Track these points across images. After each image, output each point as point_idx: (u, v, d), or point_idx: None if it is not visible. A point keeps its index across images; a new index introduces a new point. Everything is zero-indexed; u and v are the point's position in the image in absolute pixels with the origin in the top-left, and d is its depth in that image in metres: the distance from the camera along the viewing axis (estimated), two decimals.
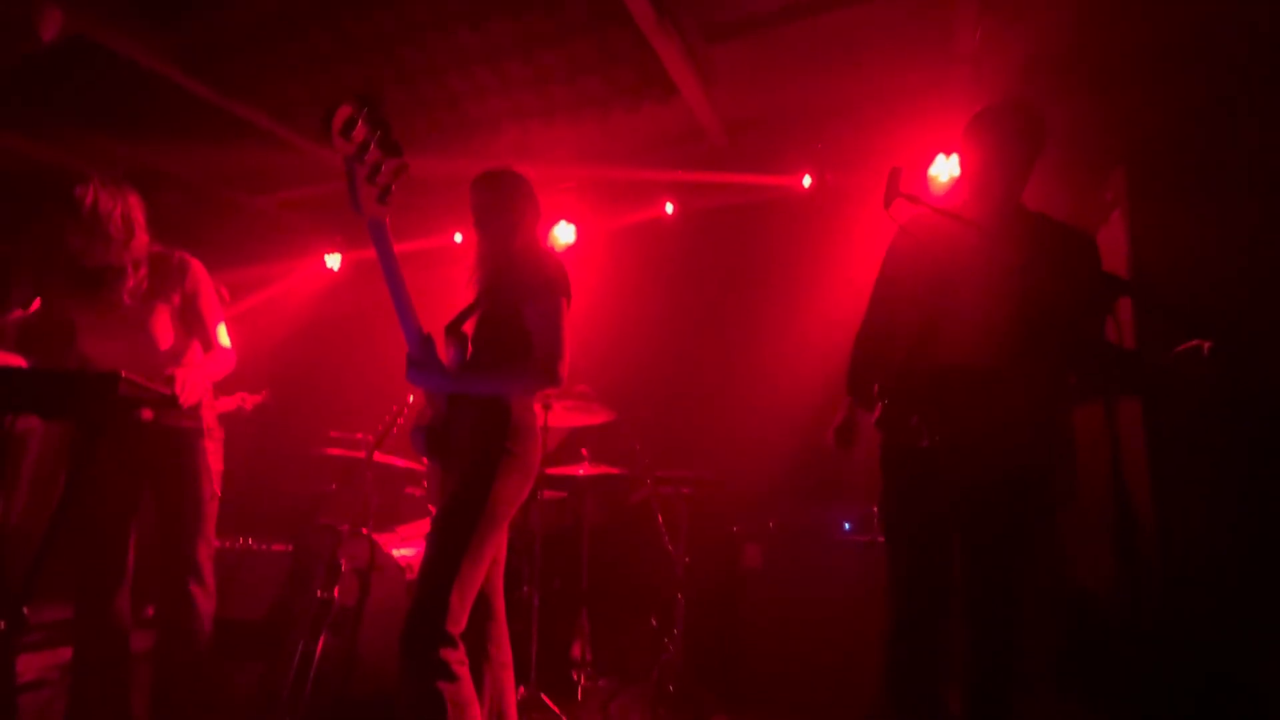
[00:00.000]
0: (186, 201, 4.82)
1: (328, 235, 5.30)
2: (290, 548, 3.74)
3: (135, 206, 2.39)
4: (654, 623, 3.41)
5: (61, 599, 2.73)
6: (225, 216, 5.08)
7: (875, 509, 3.23)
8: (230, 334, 2.60)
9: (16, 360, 2.22)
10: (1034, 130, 1.95)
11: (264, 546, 3.77)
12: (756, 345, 4.17)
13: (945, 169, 3.59)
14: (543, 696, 2.94)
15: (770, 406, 3.91)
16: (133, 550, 2.44)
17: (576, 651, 3.37)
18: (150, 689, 2.44)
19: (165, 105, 3.86)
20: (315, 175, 4.71)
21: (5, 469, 2.01)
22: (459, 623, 1.77)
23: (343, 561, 2.91)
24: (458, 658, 1.76)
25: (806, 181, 4.07)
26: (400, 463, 3.50)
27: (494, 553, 1.95)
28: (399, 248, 1.77)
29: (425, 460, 2.09)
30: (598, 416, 3.42)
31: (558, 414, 3.31)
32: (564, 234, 4.58)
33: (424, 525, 3.45)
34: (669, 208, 4.42)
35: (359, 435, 3.41)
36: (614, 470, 3.48)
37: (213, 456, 2.51)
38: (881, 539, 3.09)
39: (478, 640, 2.00)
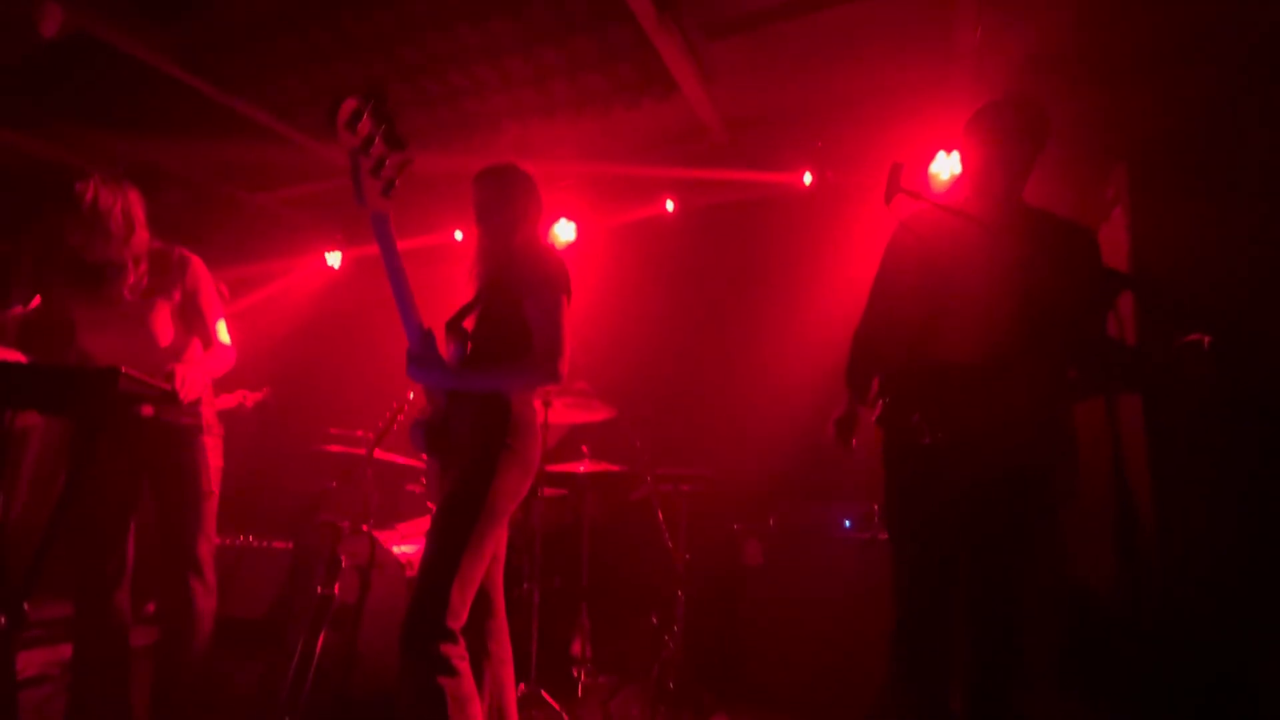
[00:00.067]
0: (187, 198, 4.82)
1: (328, 233, 5.30)
2: (291, 545, 3.75)
3: (135, 203, 2.39)
4: (654, 620, 3.41)
5: (62, 596, 2.74)
6: (225, 214, 5.07)
7: (876, 506, 3.23)
8: (230, 331, 2.60)
9: (17, 356, 2.22)
10: (1036, 126, 1.95)
11: (264, 544, 3.78)
12: (757, 342, 4.17)
13: (946, 166, 3.59)
14: (543, 693, 2.94)
15: (770, 404, 3.90)
16: (132, 547, 2.44)
17: (577, 648, 3.37)
18: (151, 686, 2.44)
19: (165, 102, 3.86)
20: (316, 172, 4.71)
21: (5, 465, 2.00)
22: (459, 618, 1.78)
23: (343, 558, 2.91)
24: (458, 653, 1.76)
25: (807, 179, 4.06)
26: (400, 460, 3.50)
27: (494, 548, 1.95)
28: (399, 244, 1.77)
29: (425, 457, 2.09)
30: (598, 414, 3.42)
31: (558, 411, 3.31)
32: (564, 231, 4.57)
33: (424, 522, 3.45)
34: (669, 205, 4.42)
35: (359, 432, 3.41)
36: (614, 467, 3.48)
37: (212, 453, 2.52)
38: (882, 536, 3.11)
39: (478, 637, 2.00)
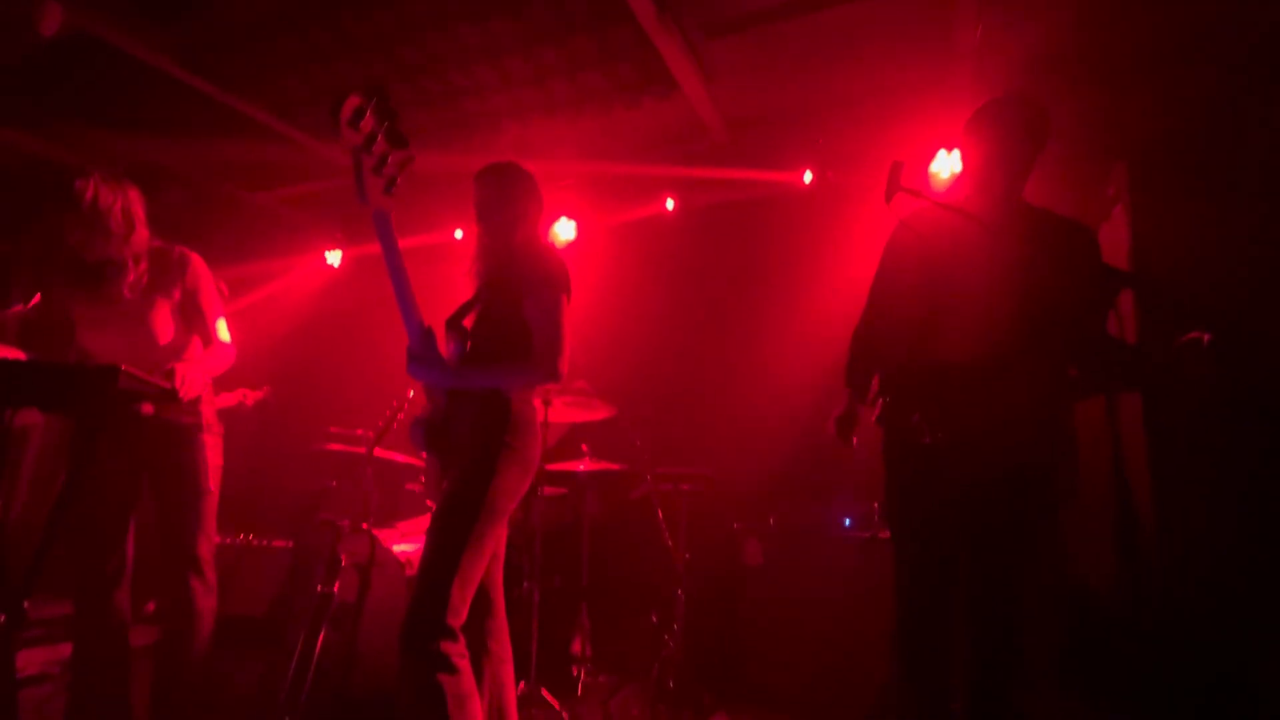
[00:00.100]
0: (187, 198, 4.82)
1: (328, 231, 5.30)
2: (291, 544, 3.75)
3: (135, 201, 2.39)
4: (654, 619, 3.41)
5: (62, 595, 2.74)
6: (225, 213, 5.07)
7: (875, 505, 3.23)
8: (230, 330, 2.60)
9: (17, 354, 2.22)
10: (1036, 125, 1.95)
11: (264, 543, 3.78)
12: (757, 341, 4.17)
13: (946, 165, 3.59)
14: (543, 692, 2.94)
15: (770, 403, 3.90)
16: (132, 545, 2.44)
17: (576, 647, 3.37)
18: (151, 685, 2.44)
19: (165, 101, 3.86)
20: (316, 171, 4.71)
21: (5, 465, 2.00)
22: (459, 616, 1.78)
23: (343, 557, 2.91)
24: (458, 650, 1.76)
25: (807, 177, 4.06)
26: (400, 458, 3.50)
27: (494, 546, 1.95)
28: (400, 243, 1.77)
29: (424, 455, 2.09)
30: (598, 412, 3.42)
31: (558, 410, 3.31)
32: (564, 230, 4.57)
33: (424, 521, 3.45)
34: (669, 204, 4.42)
35: (359, 431, 3.41)
36: (614, 466, 3.48)
37: (212, 452, 2.51)
38: (882, 535, 3.11)
39: (478, 635, 2.00)
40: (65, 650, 2.57)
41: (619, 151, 4.30)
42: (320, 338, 5.39)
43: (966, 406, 1.86)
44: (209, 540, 2.48)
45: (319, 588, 2.85)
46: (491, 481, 1.88)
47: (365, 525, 3.01)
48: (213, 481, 2.51)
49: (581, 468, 3.43)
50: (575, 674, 3.31)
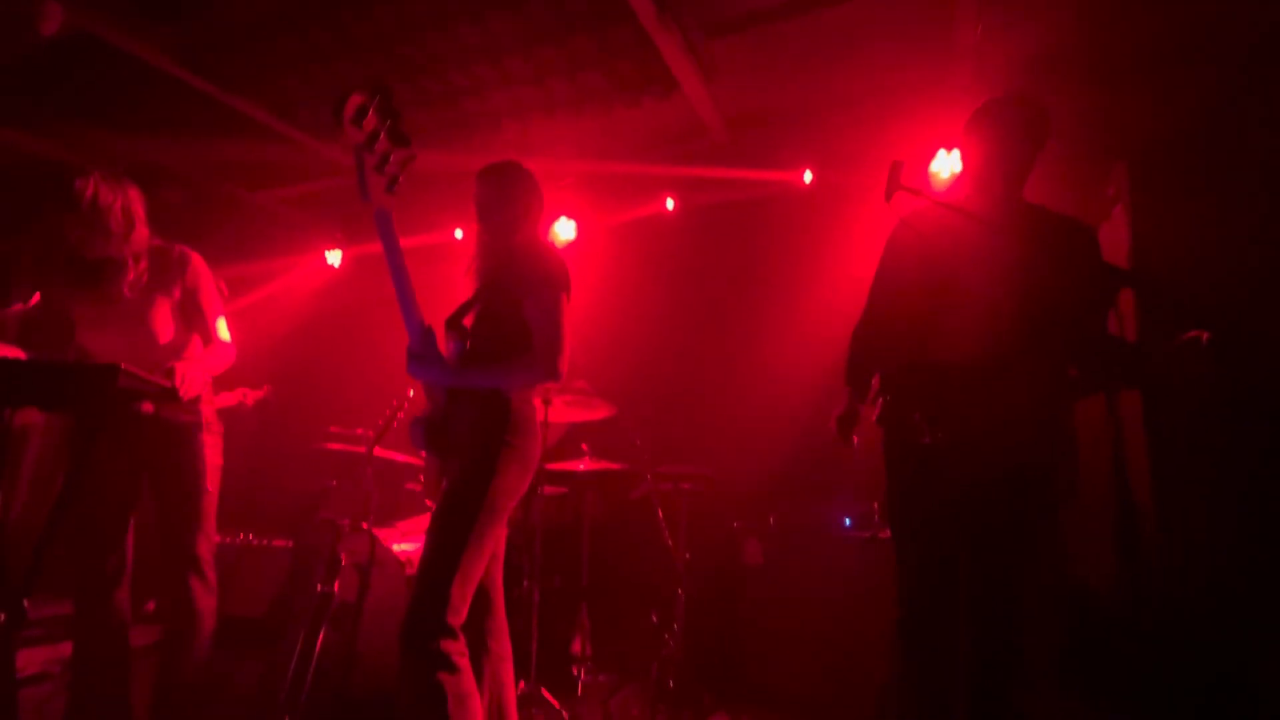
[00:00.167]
0: (187, 197, 4.82)
1: (328, 231, 5.30)
2: (291, 543, 3.75)
3: (135, 200, 2.39)
4: (654, 619, 3.41)
5: (62, 594, 2.73)
6: (225, 212, 5.07)
7: (876, 505, 3.23)
8: (230, 329, 2.60)
9: (17, 353, 2.22)
10: (1037, 124, 1.95)
11: (264, 542, 3.78)
12: (757, 341, 4.17)
13: (946, 165, 3.59)
14: (543, 691, 2.94)
15: (771, 402, 3.91)
16: (132, 545, 2.44)
17: (577, 647, 3.37)
18: (151, 684, 2.44)
19: (166, 101, 3.86)
20: (316, 171, 4.71)
21: (5, 464, 2.00)
22: (459, 615, 1.78)
23: (343, 556, 2.91)
24: (458, 649, 1.76)
25: (807, 177, 4.06)
26: (400, 458, 3.50)
27: (494, 545, 1.95)
28: (400, 242, 1.77)
29: (423, 454, 2.09)
30: (598, 412, 3.42)
31: (558, 409, 3.31)
32: (565, 230, 4.57)
33: (424, 520, 3.45)
34: (670, 203, 4.42)
35: (359, 430, 3.41)
36: (614, 466, 3.48)
37: (212, 451, 2.51)
38: (882, 535, 3.11)
39: (478, 634, 2.00)
40: (65, 649, 2.57)
41: (619, 151, 4.30)
42: (320, 337, 5.40)
43: (966, 406, 1.86)
44: (209, 540, 2.48)
45: (319, 587, 2.85)
46: (492, 480, 1.88)
47: (365, 524, 3.00)
48: (212, 481, 2.50)
49: (581, 467, 3.42)
50: (575, 673, 3.31)
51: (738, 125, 4.07)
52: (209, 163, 4.64)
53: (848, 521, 3.35)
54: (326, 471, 3.78)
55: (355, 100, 1.56)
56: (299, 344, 5.24)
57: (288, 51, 3.50)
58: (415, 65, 3.57)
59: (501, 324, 2.00)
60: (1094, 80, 3.32)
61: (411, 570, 2.96)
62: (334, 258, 5.28)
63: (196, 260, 2.54)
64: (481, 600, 2.00)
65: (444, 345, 1.97)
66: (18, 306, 2.36)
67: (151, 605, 3.44)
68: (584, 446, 3.50)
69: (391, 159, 1.65)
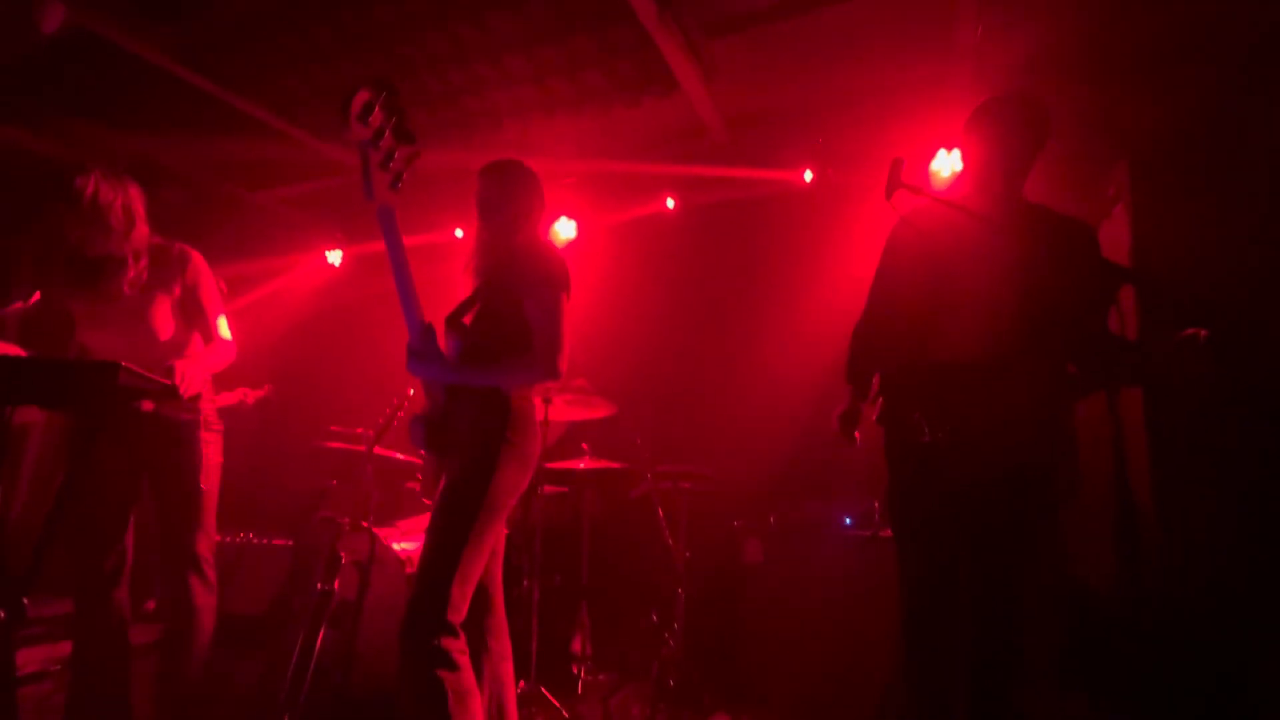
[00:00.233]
0: (187, 196, 4.83)
1: (328, 230, 5.30)
2: (291, 542, 3.74)
3: (136, 198, 2.39)
4: (654, 618, 3.41)
5: (62, 593, 2.73)
6: (226, 211, 5.07)
7: (876, 504, 3.23)
8: (231, 328, 2.60)
9: (17, 351, 2.22)
10: (1037, 122, 1.95)
11: (265, 541, 3.77)
12: (757, 340, 4.17)
13: (946, 164, 3.59)
14: (543, 690, 2.94)
15: (771, 402, 3.91)
16: (132, 543, 2.44)
17: (577, 646, 3.38)
18: (152, 683, 2.44)
19: (166, 99, 3.86)
20: (316, 170, 4.71)
21: (5, 462, 2.00)
22: (459, 612, 1.78)
23: (343, 555, 2.91)
24: (459, 647, 1.76)
25: (808, 176, 4.06)
26: (401, 456, 3.50)
27: (493, 543, 1.95)
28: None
29: (422, 453, 2.09)
30: (598, 411, 3.42)
31: (558, 408, 3.31)
32: (565, 229, 4.58)
33: (424, 519, 3.44)
34: (670, 203, 4.42)
35: (359, 429, 3.41)
36: (614, 465, 3.48)
37: (212, 449, 2.51)
38: (883, 534, 3.10)
39: (477, 633, 2.00)
40: (65, 648, 2.57)
41: (619, 150, 4.30)
42: (321, 336, 5.40)
43: (967, 406, 1.86)
44: (209, 538, 2.47)
45: (319, 586, 2.85)
46: (491, 478, 1.88)
47: (365, 523, 3.00)
48: (213, 480, 2.50)
49: (581, 466, 3.43)
50: (575, 672, 3.31)
51: (738, 125, 4.07)
52: (209, 161, 4.64)
53: (848, 520, 3.35)
54: (327, 470, 3.77)
55: (361, 96, 1.57)
56: (299, 343, 5.24)
57: (288, 50, 3.50)
58: (415, 64, 3.57)
59: (501, 323, 2.00)
60: (1094, 80, 3.32)
61: (411, 569, 2.96)
62: (334, 257, 5.28)
63: (196, 258, 2.54)
64: (481, 598, 2.00)
65: (444, 343, 1.97)
66: (18, 304, 2.36)
67: (151, 604, 3.43)
68: (584, 445, 3.50)
69: (396, 156, 1.65)
